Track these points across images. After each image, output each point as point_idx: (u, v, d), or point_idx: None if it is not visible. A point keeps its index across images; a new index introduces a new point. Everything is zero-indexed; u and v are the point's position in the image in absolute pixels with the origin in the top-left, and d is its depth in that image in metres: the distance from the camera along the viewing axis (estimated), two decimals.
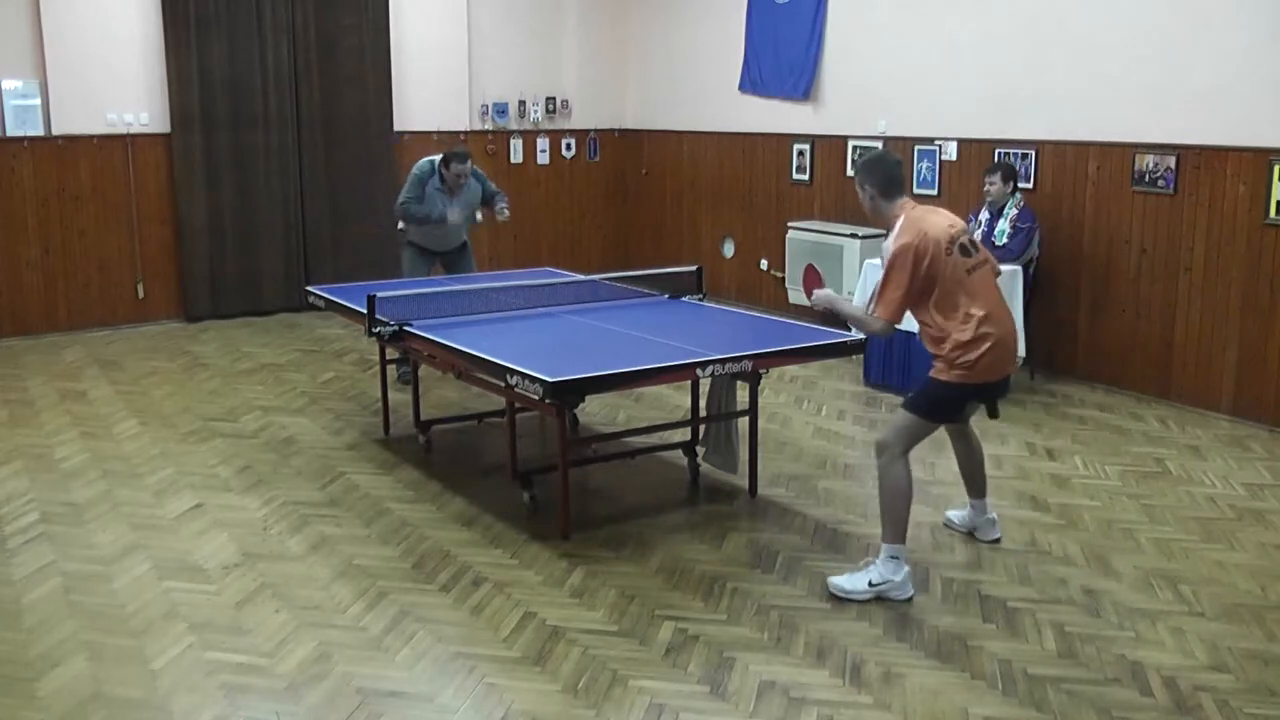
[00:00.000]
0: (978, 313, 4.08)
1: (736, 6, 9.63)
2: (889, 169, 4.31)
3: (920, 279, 4.08)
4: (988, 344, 4.08)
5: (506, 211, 7.04)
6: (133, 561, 4.52)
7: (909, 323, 4.29)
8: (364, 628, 3.95)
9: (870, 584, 4.13)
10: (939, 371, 4.17)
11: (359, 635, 3.90)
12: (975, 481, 4.70)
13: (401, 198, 6.94)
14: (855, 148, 8.71)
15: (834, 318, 4.77)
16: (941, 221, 4.18)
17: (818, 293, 4.44)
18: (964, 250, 4.15)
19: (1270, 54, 6.11)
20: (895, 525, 4.16)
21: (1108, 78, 6.91)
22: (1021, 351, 6.80)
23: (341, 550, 4.63)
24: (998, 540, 4.69)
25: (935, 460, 5.78)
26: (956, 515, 4.86)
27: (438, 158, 6.93)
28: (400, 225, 7.09)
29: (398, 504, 5.17)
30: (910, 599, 4.14)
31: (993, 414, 4.47)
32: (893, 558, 4.15)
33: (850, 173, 8.74)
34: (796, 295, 8.89)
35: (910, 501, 4.20)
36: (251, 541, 4.73)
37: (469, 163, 6.86)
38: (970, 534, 4.76)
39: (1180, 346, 6.70)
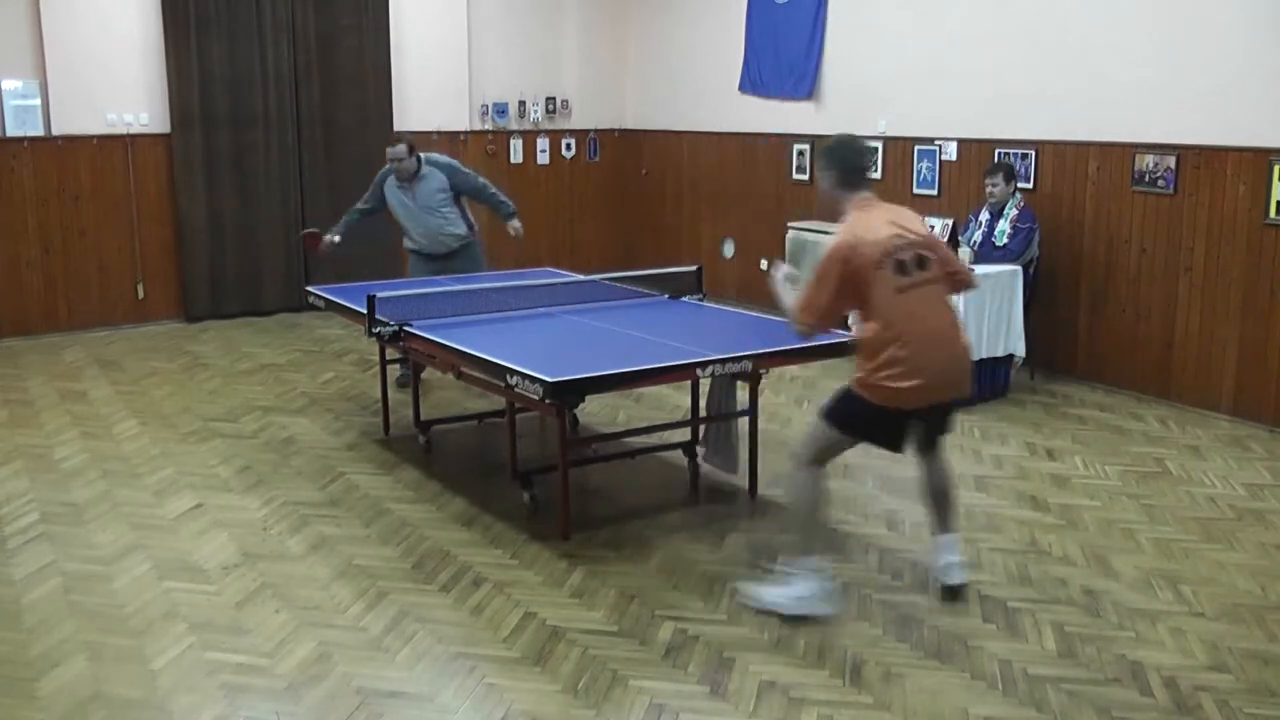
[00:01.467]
0: (891, 335, 3.74)
1: (736, 6, 9.64)
2: (854, 156, 3.93)
3: (847, 287, 3.77)
4: (897, 369, 3.75)
5: (518, 225, 7.03)
6: (133, 561, 4.52)
7: None
8: (364, 628, 3.95)
9: (772, 601, 3.98)
10: (854, 380, 3.89)
11: (359, 635, 3.89)
12: (935, 513, 4.20)
13: (360, 200, 7.04)
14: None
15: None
16: (885, 231, 3.80)
17: (777, 271, 4.18)
18: (900, 267, 3.77)
19: (1270, 54, 6.11)
20: (806, 535, 3.96)
21: (1108, 78, 6.91)
22: (1021, 352, 6.87)
23: (341, 550, 4.63)
24: (958, 587, 4.14)
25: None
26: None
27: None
28: (331, 237, 7.02)
29: (398, 504, 5.17)
30: (830, 615, 3.94)
31: (928, 446, 4.12)
32: (792, 574, 3.96)
33: None
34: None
35: (817, 510, 3.97)
36: (251, 541, 4.73)
37: (401, 147, 6.74)
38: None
39: (1180, 346, 6.70)
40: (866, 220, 3.85)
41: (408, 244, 7.06)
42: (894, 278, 3.78)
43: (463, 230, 6.98)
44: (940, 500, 4.18)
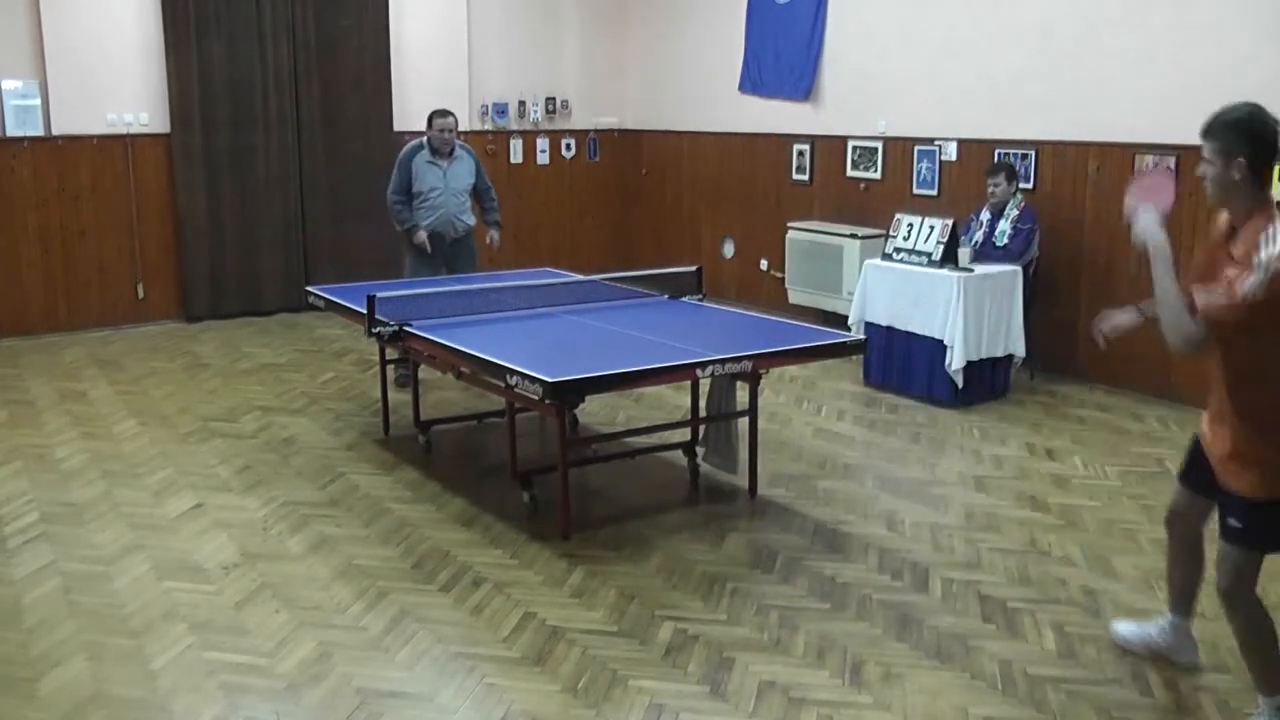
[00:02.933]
0: None
1: (736, 6, 9.64)
2: (1274, 136, 2.99)
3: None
4: None
5: (498, 237, 7.21)
6: (133, 561, 4.52)
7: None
8: (364, 628, 3.95)
9: None
10: (1263, 486, 3.09)
11: (359, 635, 3.90)
12: (1186, 593, 3.65)
13: (390, 189, 7.03)
14: (855, 148, 8.71)
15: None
16: None
17: (1143, 218, 3.37)
18: None
19: (1270, 54, 6.11)
20: (1271, 670, 3.25)
21: (1108, 78, 6.91)
22: (1021, 352, 6.87)
23: (341, 550, 4.63)
24: (1195, 665, 3.68)
25: (935, 460, 5.79)
26: (1130, 630, 3.79)
27: (418, 140, 7.09)
28: (400, 227, 7.09)
29: (398, 504, 5.17)
30: None
31: None
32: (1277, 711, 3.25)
33: (850, 172, 8.77)
34: (796, 295, 8.89)
35: (1276, 637, 3.24)
36: (251, 541, 4.73)
37: (451, 118, 6.98)
38: (1163, 656, 3.71)
39: None
40: None
41: (424, 220, 7.00)
42: None
43: (472, 221, 7.17)
44: (1196, 583, 3.64)
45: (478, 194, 7.19)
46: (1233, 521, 3.14)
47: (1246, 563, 3.14)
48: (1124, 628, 3.82)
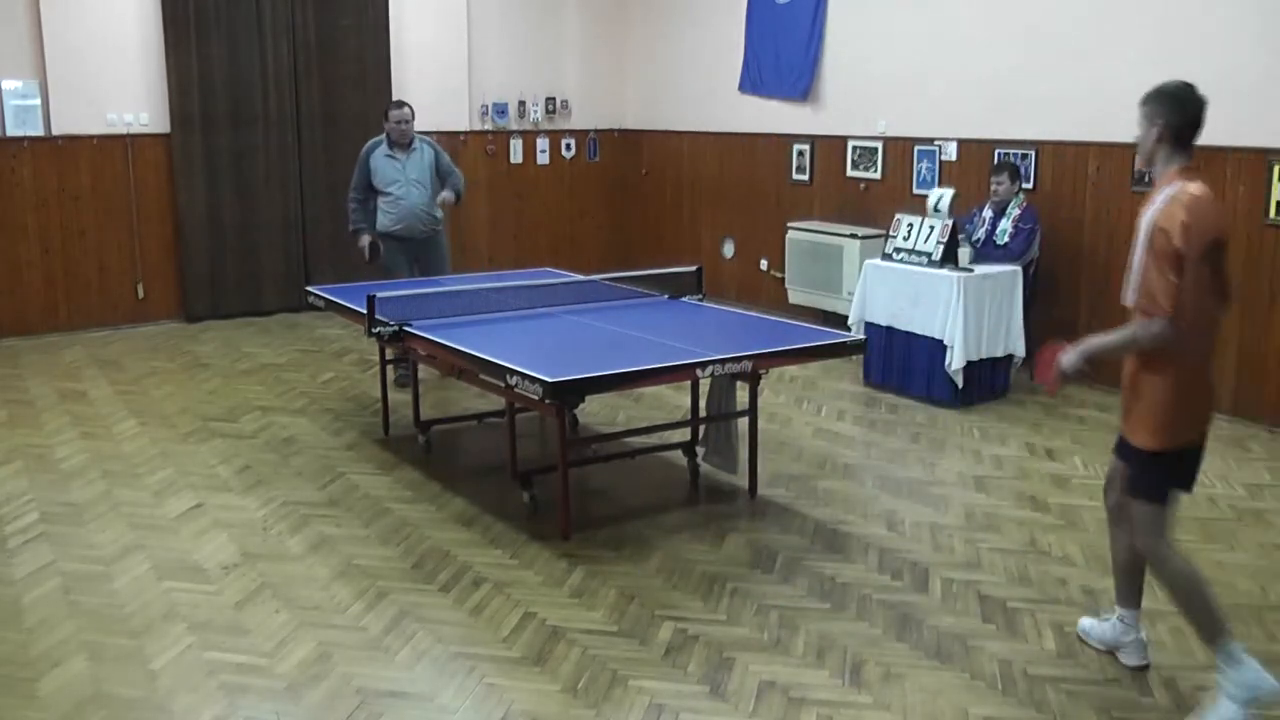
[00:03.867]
0: (1201, 350, 3.38)
1: (736, 6, 9.64)
2: (1195, 108, 3.29)
3: (1203, 275, 3.20)
4: (1205, 394, 3.42)
5: (451, 198, 6.99)
6: (133, 561, 4.52)
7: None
8: (364, 628, 3.95)
9: (1239, 702, 3.25)
10: (1155, 437, 3.37)
11: (359, 635, 3.90)
12: (1129, 582, 3.72)
13: (350, 186, 7.01)
14: (855, 148, 8.71)
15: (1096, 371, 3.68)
16: (1218, 216, 3.30)
17: (1064, 360, 3.54)
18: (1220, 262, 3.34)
19: (1269, 54, 6.11)
20: (1207, 618, 3.33)
21: (1108, 78, 6.91)
22: (1021, 352, 6.87)
23: (341, 550, 4.63)
24: (1145, 667, 3.70)
25: (935, 460, 5.79)
26: (1092, 625, 3.87)
27: (378, 137, 7.08)
28: (354, 231, 7.03)
29: (398, 504, 5.17)
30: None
31: (1187, 487, 3.49)
32: (1232, 659, 3.28)
33: (850, 172, 8.77)
34: (796, 295, 8.90)
35: (1205, 585, 3.37)
36: (251, 541, 4.73)
37: (407, 109, 6.94)
38: (1110, 652, 3.78)
39: None
40: (1207, 198, 3.25)
41: (386, 223, 6.98)
42: (1215, 279, 3.29)
43: (439, 214, 7.09)
44: (1138, 570, 3.69)
45: (442, 177, 7.11)
46: (1133, 473, 3.41)
47: (1154, 514, 3.35)
48: (1085, 622, 3.90)
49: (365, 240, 7.00)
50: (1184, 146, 3.30)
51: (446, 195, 7.03)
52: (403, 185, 6.93)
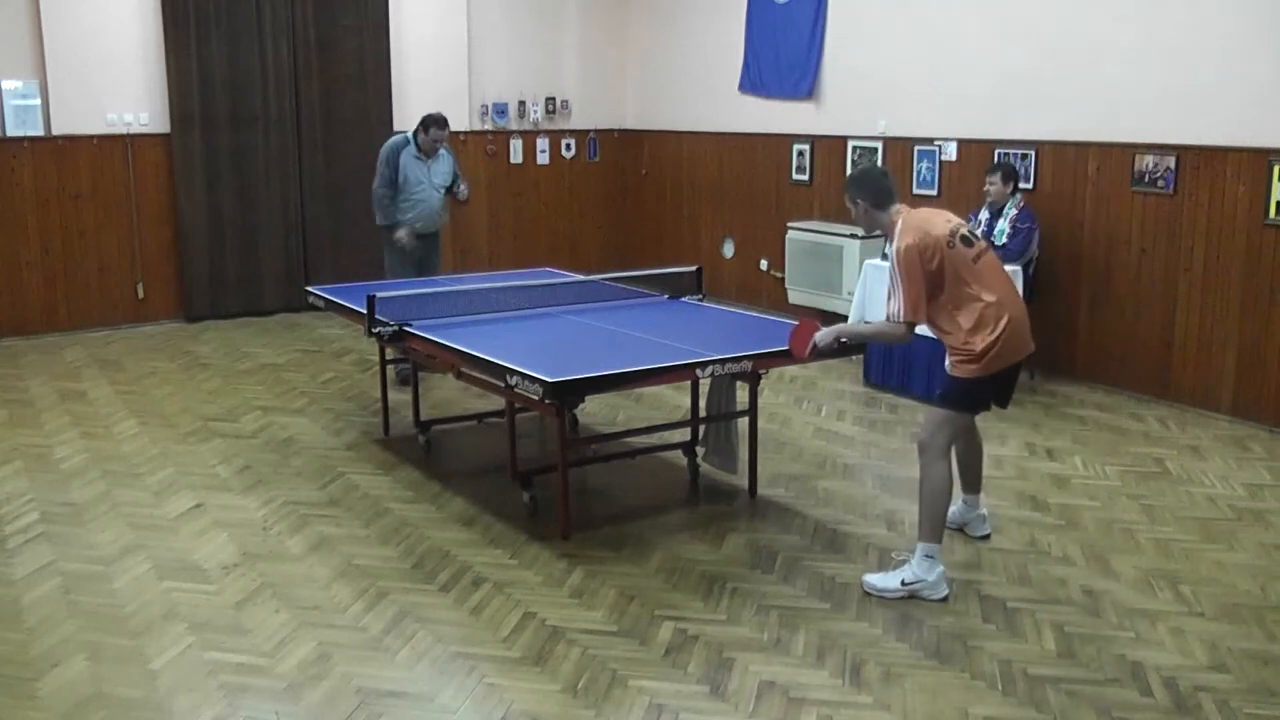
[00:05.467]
0: (990, 298, 4.10)
1: (736, 6, 9.63)
2: (878, 180, 4.35)
3: (930, 275, 4.09)
4: (1003, 327, 4.10)
5: (465, 189, 7.35)
6: (133, 561, 4.52)
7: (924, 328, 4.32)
8: (364, 628, 3.95)
9: (903, 583, 4.14)
10: (958, 370, 4.18)
11: (359, 635, 3.90)
12: (971, 475, 4.73)
13: (376, 183, 7.12)
14: (855, 148, 8.71)
15: (846, 350, 4.69)
16: (936, 218, 4.22)
17: (819, 335, 4.40)
18: (965, 240, 4.17)
19: (1269, 54, 6.11)
20: (933, 523, 4.17)
21: (1107, 78, 6.91)
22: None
23: (341, 550, 4.63)
24: (987, 536, 4.72)
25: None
26: (950, 510, 4.85)
27: (403, 135, 7.25)
28: (382, 221, 7.17)
29: (398, 504, 5.17)
30: (945, 598, 4.13)
31: (1003, 403, 4.46)
32: (928, 556, 4.15)
33: (850, 172, 8.76)
34: (796, 295, 8.90)
35: (950, 500, 4.24)
36: (251, 541, 4.73)
37: (447, 129, 7.11)
38: (960, 529, 4.75)
39: (1180, 347, 6.70)
40: (919, 216, 4.21)
41: (406, 215, 7.10)
42: (965, 250, 4.14)
43: (445, 219, 7.43)
44: (978, 463, 4.71)
45: (453, 183, 7.37)
46: (939, 390, 4.40)
47: (942, 420, 4.23)
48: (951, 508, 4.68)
49: (403, 233, 7.09)
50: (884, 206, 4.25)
51: (462, 188, 7.38)
52: (426, 188, 7.15)
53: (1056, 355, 7.30)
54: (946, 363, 4.25)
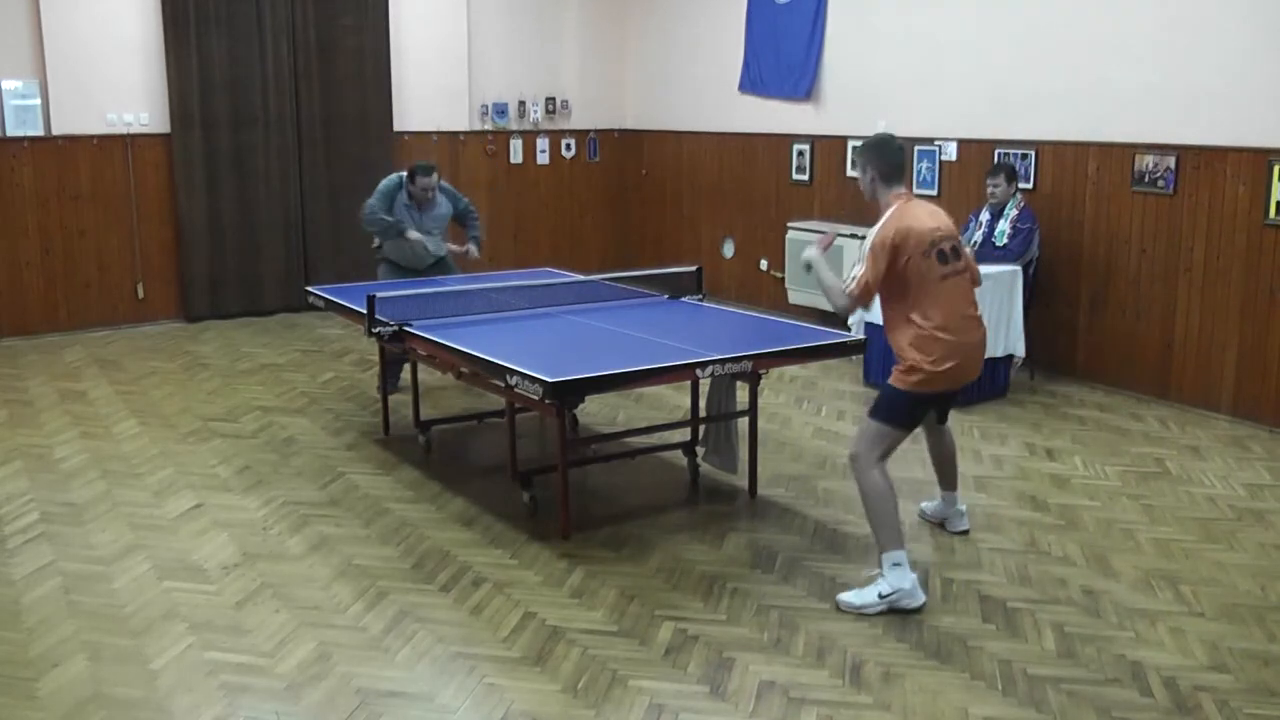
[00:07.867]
0: (928, 325, 4.06)
1: (736, 6, 9.64)
2: (893, 154, 4.24)
3: (895, 273, 4.06)
4: (938, 353, 4.06)
5: (475, 251, 6.88)
6: (133, 561, 4.52)
7: (876, 315, 4.36)
8: (364, 628, 3.95)
9: (880, 595, 4.04)
10: (896, 380, 4.14)
11: (359, 635, 3.90)
12: (946, 474, 4.77)
13: (368, 205, 6.70)
14: (855, 148, 8.70)
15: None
16: (928, 221, 4.14)
17: (809, 249, 4.34)
18: (942, 256, 4.10)
19: (1270, 54, 6.11)
20: (888, 530, 4.10)
21: (1107, 78, 6.91)
22: (1021, 352, 6.87)
23: (341, 550, 4.63)
24: (966, 532, 4.78)
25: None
26: (929, 506, 4.93)
27: (404, 173, 6.78)
28: (375, 243, 6.89)
29: (398, 504, 5.17)
30: (923, 606, 4.07)
31: (941, 420, 4.57)
32: (896, 565, 4.06)
33: (850, 172, 8.76)
34: (796, 295, 8.90)
35: (895, 504, 4.13)
36: (251, 541, 4.73)
37: (435, 175, 6.69)
38: (941, 525, 4.83)
39: (1180, 346, 6.70)
40: (910, 211, 4.14)
41: (388, 253, 6.85)
42: (938, 265, 4.10)
43: (443, 252, 6.92)
44: (951, 461, 4.76)
45: (459, 216, 6.98)
46: (876, 400, 4.26)
47: (875, 435, 4.16)
48: (925, 505, 4.95)
49: (416, 234, 6.70)
50: (892, 182, 4.20)
51: (471, 249, 6.88)
52: (414, 232, 6.69)
53: (1056, 355, 7.30)
54: (891, 374, 4.21)
